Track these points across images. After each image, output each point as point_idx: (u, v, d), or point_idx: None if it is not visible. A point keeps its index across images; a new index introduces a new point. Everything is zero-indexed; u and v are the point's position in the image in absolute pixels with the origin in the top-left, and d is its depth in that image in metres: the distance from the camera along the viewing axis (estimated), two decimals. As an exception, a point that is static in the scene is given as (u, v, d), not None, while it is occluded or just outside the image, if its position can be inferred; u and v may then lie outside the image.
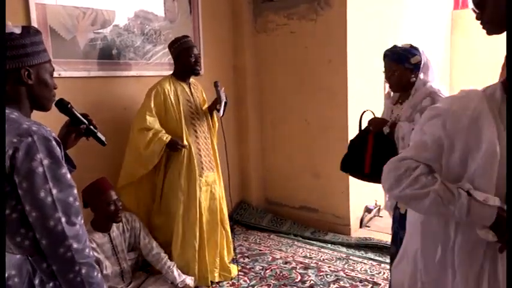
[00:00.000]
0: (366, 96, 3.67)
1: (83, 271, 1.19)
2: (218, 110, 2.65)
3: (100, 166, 2.65)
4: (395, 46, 2.14)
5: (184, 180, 2.64)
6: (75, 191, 1.22)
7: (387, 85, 2.25)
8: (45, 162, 1.16)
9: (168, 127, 2.59)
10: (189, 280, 2.57)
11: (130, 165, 2.64)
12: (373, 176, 2.15)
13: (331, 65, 3.43)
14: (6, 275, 1.20)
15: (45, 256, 1.18)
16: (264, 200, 4.06)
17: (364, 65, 3.59)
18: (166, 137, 2.54)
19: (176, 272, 2.54)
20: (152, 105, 2.55)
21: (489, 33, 1.23)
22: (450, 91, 6.61)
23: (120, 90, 2.85)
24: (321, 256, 3.18)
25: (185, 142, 2.60)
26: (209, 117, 2.84)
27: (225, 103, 2.67)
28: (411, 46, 2.11)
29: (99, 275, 1.24)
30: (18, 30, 1.21)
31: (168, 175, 2.69)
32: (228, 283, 2.81)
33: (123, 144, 2.75)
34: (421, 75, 2.06)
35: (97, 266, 1.25)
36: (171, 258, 2.62)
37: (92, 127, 1.48)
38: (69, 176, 1.22)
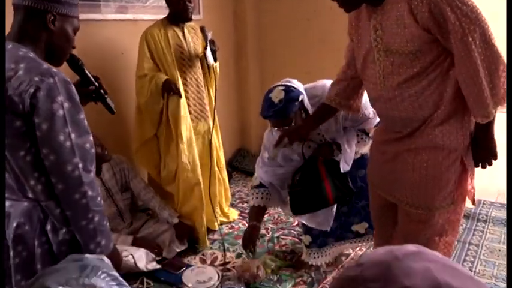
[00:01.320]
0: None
1: (96, 219, 1.20)
2: (205, 56, 2.56)
3: (98, 113, 2.63)
4: (271, 104, 1.96)
5: (174, 129, 2.57)
6: (91, 138, 1.22)
7: None
8: (66, 105, 1.14)
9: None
10: (185, 218, 2.63)
11: (141, 123, 2.61)
12: (339, 200, 2.09)
13: (332, 13, 3.31)
14: (16, 223, 1.19)
15: (59, 201, 1.18)
16: (263, 148, 4.09)
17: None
18: (162, 77, 2.47)
19: (169, 211, 2.58)
20: (146, 51, 2.50)
21: (348, 10, 1.50)
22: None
23: (117, 34, 2.78)
24: (318, 202, 3.25)
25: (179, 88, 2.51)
26: (205, 65, 2.71)
27: (213, 50, 2.55)
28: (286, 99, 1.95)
29: (108, 224, 1.26)
30: None
31: (165, 126, 2.63)
32: (227, 226, 2.90)
33: (121, 91, 2.73)
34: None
35: (105, 215, 1.26)
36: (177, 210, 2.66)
37: (102, 91, 1.43)
38: (86, 122, 1.20)
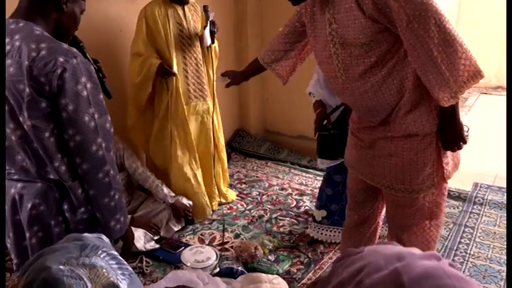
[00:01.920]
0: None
1: (116, 196, 1.24)
2: (203, 38, 2.53)
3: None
4: None
5: (173, 108, 2.58)
6: (109, 118, 1.23)
7: None
8: (88, 86, 1.15)
9: (157, 52, 2.52)
10: (186, 200, 2.63)
11: (133, 97, 2.61)
12: None
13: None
14: (30, 204, 1.21)
15: (82, 182, 1.20)
16: (263, 129, 4.09)
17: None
18: (155, 62, 2.45)
19: (166, 190, 2.58)
20: (144, 29, 2.47)
21: (295, 3, 1.50)
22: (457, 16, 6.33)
23: (114, 11, 2.73)
24: (317, 184, 3.26)
25: (174, 69, 2.50)
26: (205, 46, 2.66)
27: (212, 31, 2.51)
28: None
29: (124, 201, 1.29)
30: None
31: (161, 104, 2.62)
32: (225, 207, 2.92)
33: (120, 69, 2.70)
34: None
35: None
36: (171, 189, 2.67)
37: (100, 75, 1.43)
38: (104, 102, 1.22)
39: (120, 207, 1.27)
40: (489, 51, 5.69)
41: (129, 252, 1.42)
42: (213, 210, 2.83)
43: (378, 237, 2.01)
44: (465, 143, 1.46)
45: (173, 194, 2.60)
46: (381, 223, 1.94)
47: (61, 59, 1.09)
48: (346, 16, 1.38)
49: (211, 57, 2.70)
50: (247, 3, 3.66)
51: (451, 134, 1.44)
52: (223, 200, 2.95)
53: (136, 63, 2.48)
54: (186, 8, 2.59)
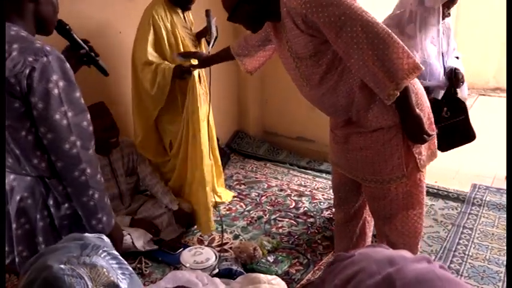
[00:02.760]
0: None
1: (96, 196, 1.23)
2: (208, 43, 2.49)
3: (97, 94, 2.61)
4: None
5: (190, 115, 2.44)
6: (89, 116, 1.22)
7: None
8: (61, 84, 1.14)
9: (167, 60, 2.42)
10: (186, 205, 2.63)
11: (143, 109, 2.52)
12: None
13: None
14: (19, 197, 1.22)
15: (61, 178, 1.20)
16: (262, 130, 4.09)
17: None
18: (169, 67, 2.35)
19: (169, 198, 2.58)
20: (151, 34, 2.36)
21: (254, 31, 1.67)
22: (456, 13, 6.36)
23: (113, 12, 2.73)
24: (316, 185, 3.27)
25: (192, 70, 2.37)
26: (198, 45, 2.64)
27: (216, 37, 2.48)
28: None
29: (109, 201, 1.29)
30: None
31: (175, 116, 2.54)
32: (225, 208, 2.92)
33: (119, 71, 2.70)
34: None
35: (106, 193, 1.28)
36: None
37: (92, 54, 1.42)
38: (82, 100, 1.21)
39: (102, 207, 1.25)
40: (488, 53, 5.70)
41: (118, 251, 1.42)
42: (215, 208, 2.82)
43: (370, 232, 2.06)
44: (428, 135, 1.51)
45: (177, 202, 2.58)
46: (368, 218, 2.00)
47: (30, 59, 1.09)
48: (292, 34, 1.52)
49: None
50: (246, 4, 3.67)
51: (410, 127, 1.51)
52: (218, 200, 2.93)
53: (148, 72, 2.36)
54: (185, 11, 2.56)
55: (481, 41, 5.61)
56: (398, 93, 1.41)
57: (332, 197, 3.01)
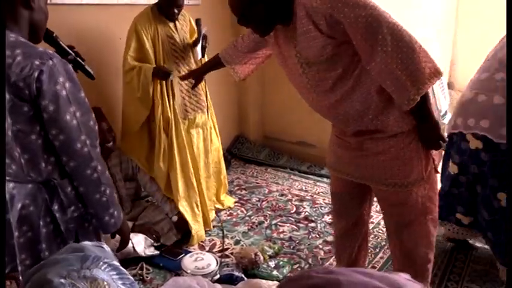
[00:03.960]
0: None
1: (107, 191, 1.27)
2: (194, 53, 2.52)
3: (96, 97, 2.62)
4: None
5: (171, 123, 2.49)
6: (93, 115, 1.25)
7: None
8: (67, 85, 1.17)
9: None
10: (182, 220, 2.62)
11: (131, 110, 2.52)
12: None
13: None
14: (20, 204, 1.22)
15: (71, 179, 1.23)
16: (262, 135, 4.10)
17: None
18: (149, 67, 2.36)
19: (168, 207, 2.59)
20: (133, 45, 2.38)
21: (263, 35, 1.59)
22: (455, 26, 6.42)
23: (114, 19, 2.74)
24: (317, 189, 3.27)
25: (173, 73, 2.42)
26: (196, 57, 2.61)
27: (204, 46, 2.49)
28: None
29: (116, 195, 1.33)
30: None
31: (159, 121, 2.52)
32: (225, 213, 2.92)
33: (119, 76, 2.71)
34: None
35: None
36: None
37: (79, 59, 1.45)
38: (87, 100, 1.24)
39: (112, 201, 1.29)
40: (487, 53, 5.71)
41: (125, 245, 1.45)
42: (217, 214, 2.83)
43: (367, 249, 2.02)
44: (444, 141, 1.50)
45: (176, 212, 2.58)
46: (369, 229, 1.95)
47: (37, 62, 1.11)
48: (306, 38, 1.45)
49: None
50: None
51: (426, 133, 1.49)
52: (219, 206, 2.94)
53: (131, 77, 2.38)
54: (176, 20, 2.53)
55: (480, 41, 5.61)
56: (419, 98, 1.38)
57: (333, 201, 3.03)
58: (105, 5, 2.68)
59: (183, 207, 2.54)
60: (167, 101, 2.48)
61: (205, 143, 2.72)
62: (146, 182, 2.62)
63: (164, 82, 2.44)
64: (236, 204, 3.05)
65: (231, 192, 3.21)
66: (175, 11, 2.42)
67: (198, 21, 2.50)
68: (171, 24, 2.49)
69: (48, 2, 1.29)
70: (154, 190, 2.62)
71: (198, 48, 2.50)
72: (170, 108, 2.48)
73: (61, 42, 1.41)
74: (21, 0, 1.17)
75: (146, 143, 2.60)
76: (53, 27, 1.40)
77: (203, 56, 2.54)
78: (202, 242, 2.58)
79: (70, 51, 1.42)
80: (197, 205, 2.61)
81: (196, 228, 2.57)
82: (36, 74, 1.10)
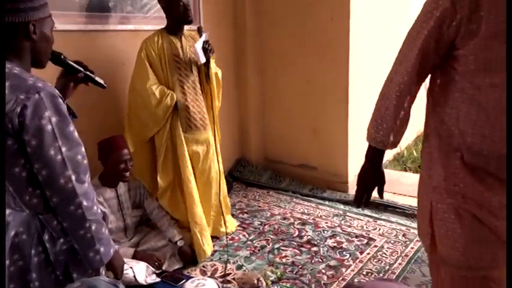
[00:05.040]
0: (368, 56, 3.61)
1: (93, 227, 1.22)
2: (195, 54, 2.56)
3: (100, 123, 2.64)
4: None
5: (174, 138, 2.58)
6: (83, 149, 1.23)
7: None
8: (54, 119, 1.15)
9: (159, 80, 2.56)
10: (186, 246, 2.60)
11: (140, 127, 2.57)
12: None
13: (333, 23, 3.35)
14: (14, 232, 1.21)
15: (56, 213, 1.20)
16: (264, 158, 4.09)
17: (367, 24, 3.50)
18: (173, 98, 2.50)
19: (176, 230, 2.58)
20: (146, 63, 2.50)
21: None
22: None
23: (118, 45, 2.79)
24: (319, 212, 3.25)
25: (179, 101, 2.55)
26: (203, 74, 2.69)
27: (205, 48, 2.52)
28: None
29: (107, 231, 1.28)
30: None
31: (162, 136, 2.62)
32: (227, 237, 2.88)
33: (122, 100, 2.73)
34: None
35: (104, 223, 1.27)
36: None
37: (88, 73, 1.45)
38: (76, 133, 1.22)
39: (99, 238, 1.24)
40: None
41: (118, 279, 1.40)
42: (217, 237, 2.81)
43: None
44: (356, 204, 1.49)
45: (181, 236, 2.57)
46: None
47: (21, 96, 1.10)
48: None
49: (213, 85, 2.71)
50: (246, 33, 3.75)
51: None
52: (223, 230, 2.89)
53: (154, 95, 2.46)
54: (183, 38, 2.63)
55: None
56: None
57: (336, 224, 3.00)
58: (108, 31, 2.73)
59: (191, 224, 2.58)
60: (173, 119, 2.57)
61: (204, 161, 2.72)
62: (154, 209, 2.63)
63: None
64: (238, 228, 3.02)
65: (233, 216, 3.18)
66: (184, 9, 2.52)
67: (199, 28, 2.63)
68: (178, 44, 2.59)
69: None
70: (162, 216, 2.61)
71: (198, 49, 2.52)
72: (173, 122, 2.57)
73: (69, 61, 1.42)
74: (22, 32, 1.18)
75: (150, 160, 2.67)
76: (56, 53, 1.41)
77: (208, 60, 2.57)
78: (204, 267, 2.54)
79: (79, 68, 1.43)
80: (201, 219, 2.64)
81: (207, 241, 2.60)
82: (19, 109, 1.09)
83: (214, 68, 2.71)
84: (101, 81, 1.50)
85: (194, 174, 2.65)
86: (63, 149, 1.16)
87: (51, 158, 1.14)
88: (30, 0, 1.17)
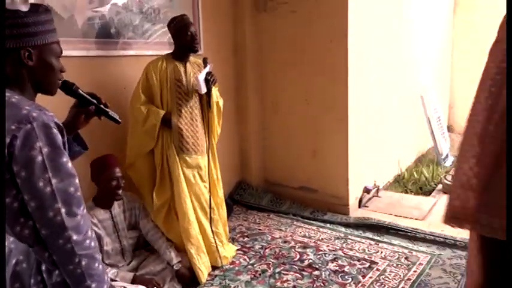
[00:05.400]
0: (367, 77, 3.66)
1: (83, 263, 1.18)
2: (196, 82, 2.61)
3: (102, 144, 2.64)
4: None
5: (166, 161, 2.64)
6: (77, 181, 1.19)
7: None
8: (45, 150, 1.12)
9: (155, 105, 2.63)
10: (187, 263, 2.59)
11: (134, 143, 2.66)
12: None
13: (332, 45, 3.41)
14: (15, 260, 1.19)
15: (46, 246, 1.16)
16: (264, 181, 4.09)
17: (365, 45, 3.56)
18: (161, 111, 2.58)
19: (173, 253, 2.56)
20: (144, 84, 2.60)
21: None
22: (451, 71, 6.61)
23: (120, 70, 2.83)
24: (320, 235, 3.22)
25: (173, 121, 2.60)
26: (205, 101, 2.72)
27: (207, 79, 2.59)
28: None
29: (101, 266, 1.23)
30: (25, 8, 1.16)
31: (156, 152, 2.69)
32: (228, 262, 2.85)
33: (122, 124, 2.74)
34: None
35: (99, 257, 1.23)
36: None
37: (102, 106, 1.42)
38: (70, 164, 1.18)
39: (90, 274, 1.19)
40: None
41: None
42: (214, 267, 2.75)
43: None
44: None
45: (179, 259, 2.56)
46: None
47: (12, 127, 1.08)
48: None
49: (213, 114, 2.76)
50: (246, 57, 3.80)
51: None
52: (223, 254, 2.83)
53: (141, 114, 2.56)
54: (188, 64, 2.70)
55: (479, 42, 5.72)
56: None
57: (337, 247, 2.97)
58: (110, 56, 2.77)
59: (188, 245, 2.59)
60: (166, 138, 2.64)
61: (197, 185, 2.71)
62: (149, 230, 2.61)
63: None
64: (239, 252, 2.99)
65: (233, 240, 3.15)
66: (192, 38, 2.60)
67: (205, 59, 2.70)
68: (182, 69, 2.66)
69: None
70: (157, 238, 2.60)
71: (201, 79, 2.57)
72: (166, 142, 2.64)
73: (81, 92, 1.39)
74: (13, 59, 1.17)
75: (151, 173, 2.73)
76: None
77: (209, 90, 2.63)
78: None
79: (92, 100, 1.40)
80: (199, 240, 2.66)
81: (203, 260, 2.62)
82: (8, 140, 1.07)
83: (216, 97, 2.76)
84: (116, 116, 1.45)
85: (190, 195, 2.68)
86: (54, 181, 1.13)
87: (40, 190, 1.11)
88: (25, 26, 1.16)
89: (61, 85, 1.34)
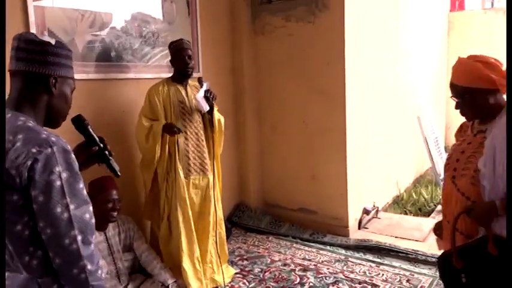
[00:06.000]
0: (364, 98, 3.69)
1: None
2: (197, 102, 2.66)
3: (96, 169, 2.63)
4: None
5: (170, 182, 2.67)
6: (91, 208, 1.17)
7: None
8: (64, 175, 1.10)
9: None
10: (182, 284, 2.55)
11: (146, 165, 2.71)
12: None
13: (329, 67, 3.45)
14: None
15: (57, 276, 1.13)
16: (263, 203, 4.06)
17: (362, 67, 3.60)
18: (161, 122, 2.60)
19: (168, 274, 2.52)
20: (148, 109, 2.64)
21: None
22: (447, 92, 6.63)
23: (119, 93, 2.85)
24: (320, 258, 3.18)
25: (179, 128, 2.63)
26: (207, 120, 2.79)
27: (207, 97, 2.63)
28: None
29: None
30: (52, 42, 1.20)
31: (159, 177, 2.71)
32: (227, 285, 2.80)
33: (122, 148, 2.75)
34: None
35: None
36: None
37: (106, 152, 1.39)
38: (85, 191, 1.17)
39: None
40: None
41: None
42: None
43: None
44: None
45: (174, 279, 2.52)
46: None
47: (33, 150, 1.07)
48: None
49: (216, 132, 2.79)
50: (244, 79, 3.83)
51: None
52: (220, 279, 2.80)
53: (145, 131, 2.61)
54: (188, 87, 2.75)
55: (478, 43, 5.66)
56: None
57: (338, 270, 2.93)
58: (109, 79, 2.79)
59: (186, 263, 2.60)
60: (171, 157, 2.66)
61: (202, 204, 2.76)
62: (143, 251, 2.57)
63: (171, 139, 2.65)
64: (238, 275, 2.94)
65: (232, 263, 3.11)
66: (185, 62, 2.68)
67: (199, 79, 2.76)
68: (183, 91, 2.72)
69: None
70: (152, 259, 2.56)
71: (199, 99, 2.61)
72: (173, 165, 2.65)
73: (91, 131, 1.37)
74: (44, 85, 1.19)
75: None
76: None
77: (211, 108, 2.67)
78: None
79: (99, 143, 1.37)
80: (199, 261, 2.67)
81: (198, 285, 2.60)
82: (29, 163, 1.05)
83: (218, 115, 2.79)
84: (116, 168, 1.39)
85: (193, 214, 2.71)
86: (71, 207, 1.10)
87: (57, 216, 1.08)
88: (57, 56, 1.20)
89: (74, 118, 1.34)
